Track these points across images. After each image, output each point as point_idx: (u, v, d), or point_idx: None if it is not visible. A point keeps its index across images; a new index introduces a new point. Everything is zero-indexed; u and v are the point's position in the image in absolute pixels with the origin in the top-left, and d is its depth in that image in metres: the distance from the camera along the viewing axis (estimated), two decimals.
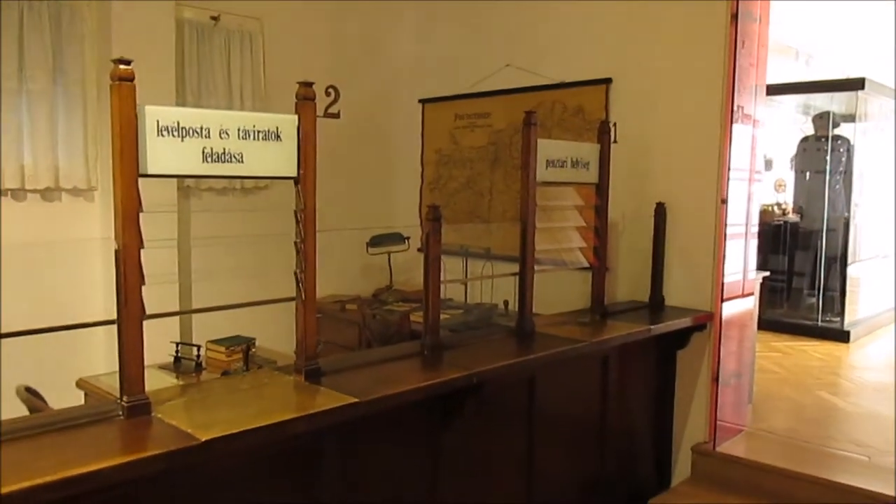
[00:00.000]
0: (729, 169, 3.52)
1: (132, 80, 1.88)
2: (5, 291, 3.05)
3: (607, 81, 3.93)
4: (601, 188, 3.42)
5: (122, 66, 1.87)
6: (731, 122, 3.50)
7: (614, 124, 3.41)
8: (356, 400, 2.13)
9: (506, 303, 4.07)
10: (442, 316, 3.33)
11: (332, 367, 2.42)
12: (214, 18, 4.04)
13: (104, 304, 3.49)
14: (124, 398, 1.93)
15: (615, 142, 3.42)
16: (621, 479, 3.52)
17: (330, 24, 4.71)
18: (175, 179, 3.61)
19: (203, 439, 1.79)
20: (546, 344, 2.98)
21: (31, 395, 2.62)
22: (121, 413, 1.93)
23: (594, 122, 3.60)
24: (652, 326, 3.35)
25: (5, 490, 1.47)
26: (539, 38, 4.27)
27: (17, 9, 3.34)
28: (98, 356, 3.51)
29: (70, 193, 3.59)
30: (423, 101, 5.00)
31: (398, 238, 4.65)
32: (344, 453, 2.32)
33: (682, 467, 3.73)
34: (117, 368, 3.07)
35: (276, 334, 3.70)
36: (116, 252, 1.92)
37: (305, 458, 2.24)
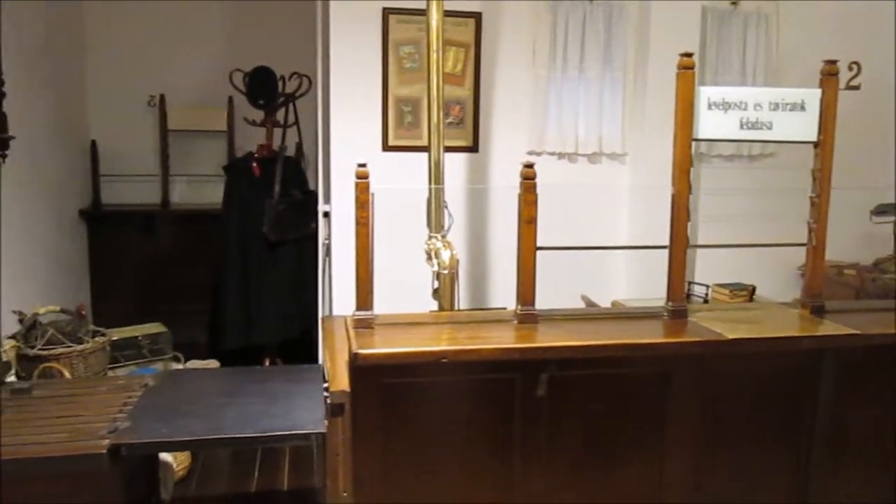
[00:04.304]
0: None
1: (692, 68, 2.54)
2: (566, 226, 4.03)
3: None
4: None
5: (685, 58, 2.54)
6: None
7: None
8: (857, 332, 2.49)
9: None
10: None
11: (835, 308, 2.79)
12: (734, 4, 4.53)
13: (626, 237, 4.37)
14: (669, 303, 2.63)
15: None
16: None
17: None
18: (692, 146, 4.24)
19: (730, 337, 2.39)
20: None
21: (590, 300, 3.58)
22: (665, 314, 2.64)
23: None
24: None
25: (594, 342, 2.29)
26: None
27: (581, 12, 4.33)
28: (618, 282, 4.39)
29: (608, 157, 4.51)
30: None
31: None
32: (839, 382, 2.67)
33: None
34: (631, 296, 3.86)
35: (771, 285, 4.13)
36: (672, 196, 2.62)
37: (803, 380, 2.66)
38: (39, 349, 3.33)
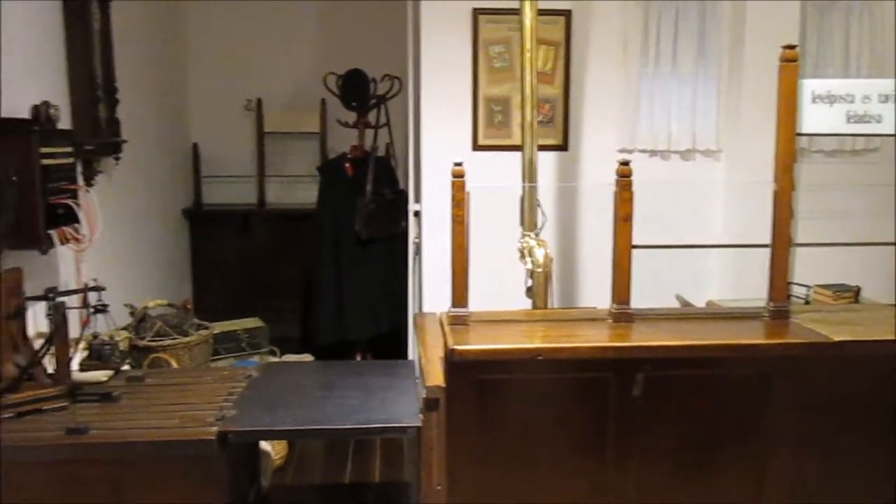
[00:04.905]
0: None
1: (795, 61, 2.47)
2: (658, 224, 3.96)
3: None
4: None
5: (787, 51, 2.47)
6: None
7: None
8: None
9: None
10: None
11: None
12: None
13: (720, 236, 4.25)
14: (770, 303, 2.56)
15: None
16: None
17: None
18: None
19: (835, 339, 2.31)
20: None
21: (685, 300, 3.53)
22: (766, 315, 2.57)
23: None
24: None
25: (694, 342, 2.25)
26: None
27: (674, 10, 4.26)
28: (712, 282, 4.28)
29: (702, 154, 4.42)
30: None
31: None
32: None
33: None
34: (725, 296, 3.76)
35: (876, 287, 3.94)
36: (774, 192, 2.55)
37: None
38: (149, 340, 3.52)
